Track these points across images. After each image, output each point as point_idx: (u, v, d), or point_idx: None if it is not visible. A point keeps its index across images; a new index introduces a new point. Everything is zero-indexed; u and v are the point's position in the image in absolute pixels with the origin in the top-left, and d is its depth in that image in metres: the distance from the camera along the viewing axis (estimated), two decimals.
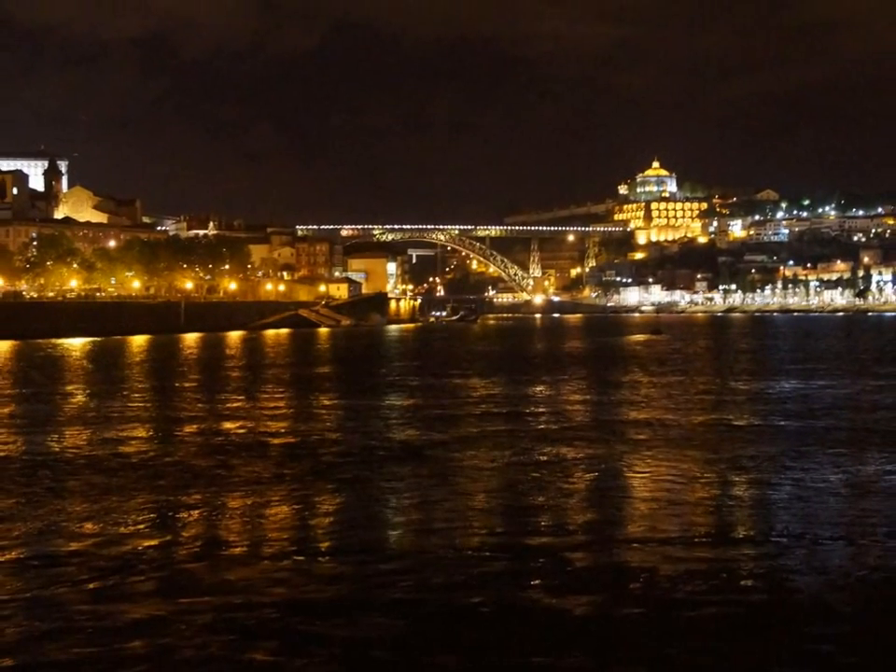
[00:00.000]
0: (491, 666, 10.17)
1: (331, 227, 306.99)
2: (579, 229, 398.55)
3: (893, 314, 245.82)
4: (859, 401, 36.11)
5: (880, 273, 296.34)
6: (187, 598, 12.11)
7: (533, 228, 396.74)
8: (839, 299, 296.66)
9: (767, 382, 44.96)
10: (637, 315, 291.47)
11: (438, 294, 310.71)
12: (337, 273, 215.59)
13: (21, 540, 15.19)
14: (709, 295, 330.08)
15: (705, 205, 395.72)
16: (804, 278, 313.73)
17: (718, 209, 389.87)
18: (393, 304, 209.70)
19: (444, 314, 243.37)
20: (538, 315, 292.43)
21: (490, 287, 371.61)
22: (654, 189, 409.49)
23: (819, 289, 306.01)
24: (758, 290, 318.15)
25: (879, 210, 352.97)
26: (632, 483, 19.97)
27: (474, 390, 42.23)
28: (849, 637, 10.94)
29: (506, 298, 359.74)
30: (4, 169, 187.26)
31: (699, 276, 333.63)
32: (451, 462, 22.51)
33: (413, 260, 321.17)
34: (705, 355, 74.12)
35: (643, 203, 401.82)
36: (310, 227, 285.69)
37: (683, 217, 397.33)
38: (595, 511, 17.35)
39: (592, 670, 10.07)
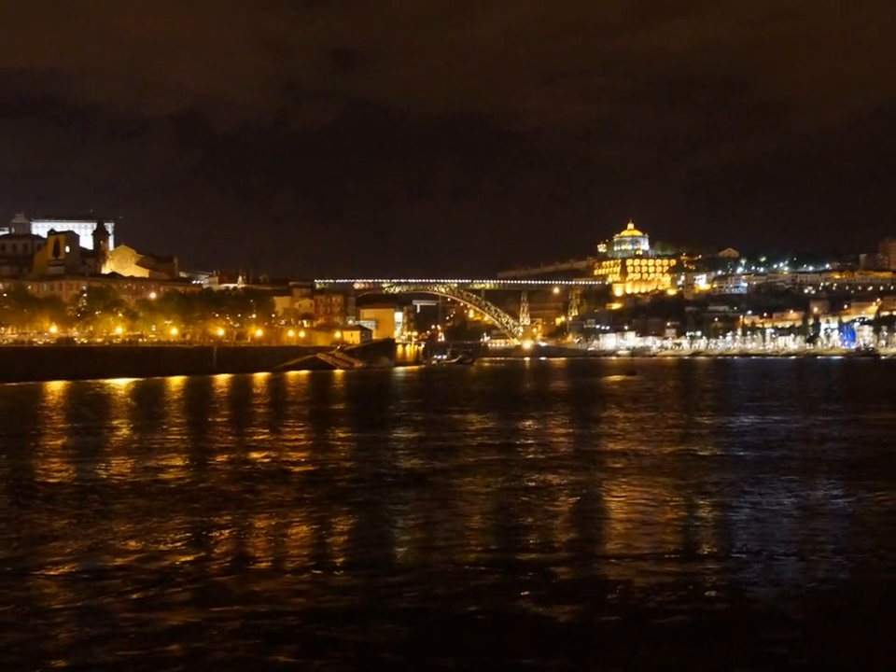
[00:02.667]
0: (486, 667, 10.18)
1: (346, 281, 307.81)
2: (563, 282, 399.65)
3: (839, 357, 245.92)
4: (809, 434, 36.06)
5: (828, 322, 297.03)
6: (218, 607, 12.14)
7: (523, 282, 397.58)
8: (792, 344, 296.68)
9: (728, 417, 44.92)
10: (614, 358, 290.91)
11: (439, 340, 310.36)
12: (350, 322, 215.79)
13: (72, 556, 15.22)
14: (678, 341, 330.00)
15: (674, 262, 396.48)
16: (760, 326, 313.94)
17: (685, 265, 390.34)
18: (400, 349, 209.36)
19: (445, 357, 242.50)
20: (527, 359, 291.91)
21: (485, 334, 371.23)
22: (629, 247, 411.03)
23: (774, 336, 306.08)
24: (720, 337, 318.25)
25: (827, 266, 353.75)
26: (609, 506, 19.97)
27: (471, 424, 42.20)
28: (801, 641, 10.95)
29: (499, 343, 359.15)
30: (58, 230, 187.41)
31: (669, 324, 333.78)
32: (450, 487, 22.51)
33: (418, 310, 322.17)
34: (673, 393, 74.05)
35: (619, 260, 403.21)
36: (327, 281, 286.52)
37: (655, 272, 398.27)
38: (577, 530, 17.36)
39: (574, 670, 10.09)
